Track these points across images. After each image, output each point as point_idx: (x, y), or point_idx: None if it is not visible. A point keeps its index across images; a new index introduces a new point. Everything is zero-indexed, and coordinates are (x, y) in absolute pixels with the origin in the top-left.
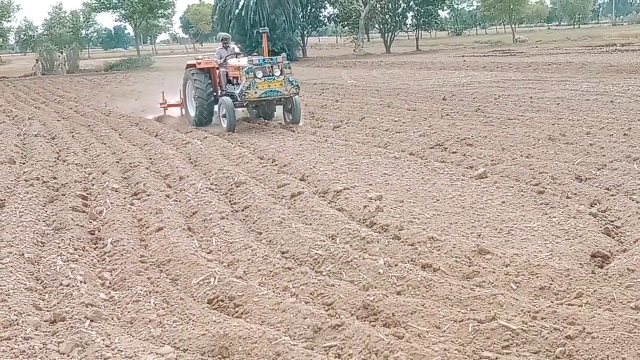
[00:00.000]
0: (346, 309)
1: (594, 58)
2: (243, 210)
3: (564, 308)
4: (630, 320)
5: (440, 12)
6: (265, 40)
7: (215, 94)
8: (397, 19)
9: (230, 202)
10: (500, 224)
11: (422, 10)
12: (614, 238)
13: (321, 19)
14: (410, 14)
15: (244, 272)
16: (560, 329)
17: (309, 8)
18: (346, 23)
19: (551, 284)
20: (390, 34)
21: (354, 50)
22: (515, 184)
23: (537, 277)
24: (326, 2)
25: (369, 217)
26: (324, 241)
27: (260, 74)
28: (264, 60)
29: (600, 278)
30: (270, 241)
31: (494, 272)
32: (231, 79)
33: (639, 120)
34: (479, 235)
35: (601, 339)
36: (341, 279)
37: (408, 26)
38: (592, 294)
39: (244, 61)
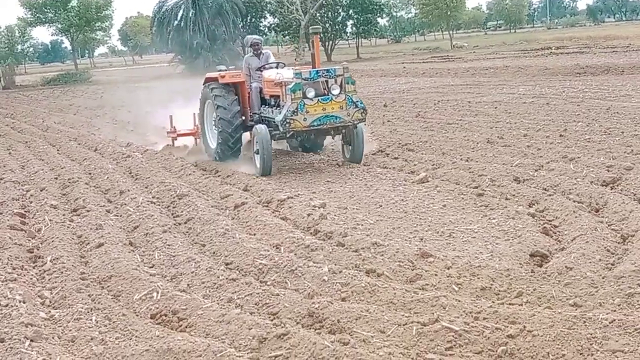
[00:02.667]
0: (291, 317)
1: (530, 61)
2: (186, 223)
3: (505, 307)
4: (569, 317)
5: (379, 19)
6: (316, 43)
7: (243, 117)
8: (337, 27)
9: (172, 214)
10: (442, 227)
11: (362, 19)
12: (551, 237)
13: (261, 28)
14: (349, 22)
15: (188, 284)
16: (502, 328)
17: (249, 18)
18: (286, 32)
19: (492, 284)
20: (330, 42)
21: (295, 59)
22: (455, 187)
23: (478, 278)
24: (266, 12)
25: (313, 224)
26: (268, 250)
27: (311, 93)
28: (316, 72)
29: (539, 277)
30: (213, 252)
31: (436, 275)
32: (267, 97)
33: (574, 122)
34: (421, 239)
35: (541, 336)
36: (286, 288)
37: (348, 34)
38: (531, 292)
39: (286, 73)
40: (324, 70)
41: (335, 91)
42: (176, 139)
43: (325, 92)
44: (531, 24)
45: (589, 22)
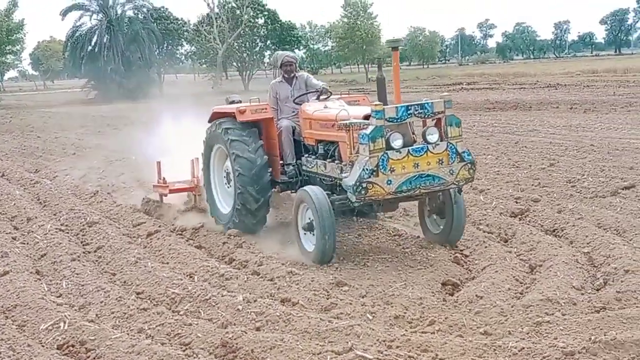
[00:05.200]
0: (204, 347)
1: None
2: (95, 251)
3: (418, 335)
4: (479, 345)
5: (296, 51)
6: (395, 61)
7: (270, 168)
8: (255, 57)
9: (81, 242)
10: (356, 256)
11: (279, 49)
12: (462, 266)
13: (178, 56)
14: (267, 53)
15: (96, 314)
16: (414, 356)
17: (165, 45)
18: (203, 60)
19: (405, 313)
20: (248, 71)
21: (212, 87)
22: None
23: (392, 306)
24: (183, 40)
25: (228, 253)
26: (182, 279)
27: (398, 141)
28: (406, 109)
29: (450, 305)
30: (124, 282)
31: (350, 304)
32: (306, 142)
33: (484, 154)
34: (336, 268)
35: None
36: (199, 317)
37: (265, 64)
38: (443, 320)
39: (355, 111)
40: (416, 105)
41: (433, 137)
42: (166, 195)
43: (414, 139)
44: (443, 60)
45: (498, 60)
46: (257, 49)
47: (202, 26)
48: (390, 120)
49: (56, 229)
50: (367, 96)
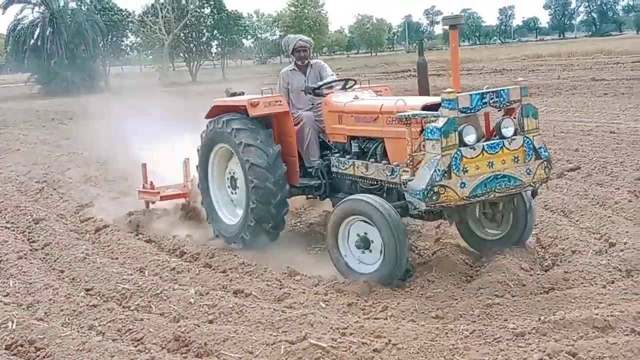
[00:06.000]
0: (156, 342)
1: (391, 83)
2: (43, 248)
3: (371, 322)
4: (431, 329)
5: (244, 41)
6: (454, 40)
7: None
8: (202, 47)
9: (28, 240)
10: (309, 245)
11: (226, 39)
12: (414, 252)
13: (123, 47)
14: (214, 43)
15: (45, 313)
16: (368, 343)
17: (110, 37)
18: (150, 52)
19: (358, 300)
20: (195, 62)
21: (159, 79)
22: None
23: (345, 294)
24: (128, 31)
25: (179, 246)
26: (132, 274)
27: (472, 136)
28: (481, 97)
29: (403, 291)
30: (73, 278)
31: (304, 293)
32: (332, 140)
33: None
34: (289, 258)
35: (406, 349)
36: (150, 312)
37: (213, 54)
38: (396, 306)
39: (410, 102)
40: (492, 92)
41: (509, 131)
42: (154, 203)
43: (485, 132)
44: (391, 47)
45: (445, 46)
46: (204, 39)
47: (147, 17)
48: (464, 111)
49: (1, 226)
50: (388, 86)
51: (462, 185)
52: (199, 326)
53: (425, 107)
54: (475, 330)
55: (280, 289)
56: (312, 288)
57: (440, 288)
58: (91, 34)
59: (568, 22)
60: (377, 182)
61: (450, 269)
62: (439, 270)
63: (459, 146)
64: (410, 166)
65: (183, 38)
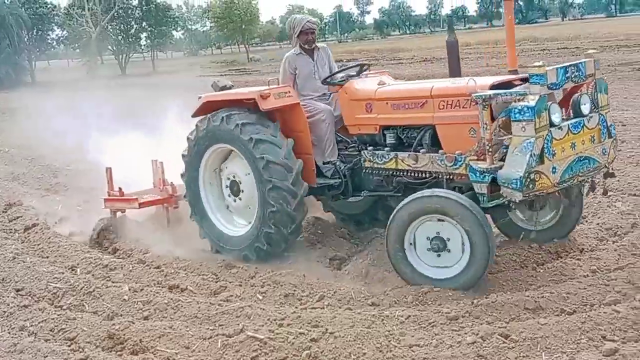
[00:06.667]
0: (90, 341)
1: None
2: None
3: (308, 312)
4: (367, 317)
5: (174, 32)
6: (510, 11)
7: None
8: (130, 39)
9: None
10: None
11: (156, 31)
12: (349, 241)
13: (49, 41)
14: (143, 35)
15: None
16: (305, 333)
17: (35, 30)
18: (76, 45)
19: (295, 290)
20: (124, 55)
21: (87, 73)
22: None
23: (281, 285)
24: (53, 24)
25: (111, 242)
26: (63, 273)
27: (557, 114)
28: (564, 72)
29: (339, 279)
30: (2, 279)
31: (240, 285)
32: (359, 133)
33: None
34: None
35: (343, 337)
36: (83, 311)
37: (142, 47)
38: (332, 295)
39: (479, 81)
40: (572, 66)
41: (587, 108)
42: (124, 211)
43: (575, 112)
44: (322, 37)
45: (376, 36)
46: (133, 31)
47: (74, 9)
48: (552, 87)
49: None
50: (387, 72)
51: (554, 170)
52: (133, 323)
53: (493, 87)
54: (410, 316)
55: (217, 282)
56: (249, 280)
57: (377, 276)
58: (15, 27)
59: (495, 11)
60: (427, 174)
61: (385, 258)
62: (374, 259)
63: (550, 127)
64: (489, 153)
65: (111, 30)
